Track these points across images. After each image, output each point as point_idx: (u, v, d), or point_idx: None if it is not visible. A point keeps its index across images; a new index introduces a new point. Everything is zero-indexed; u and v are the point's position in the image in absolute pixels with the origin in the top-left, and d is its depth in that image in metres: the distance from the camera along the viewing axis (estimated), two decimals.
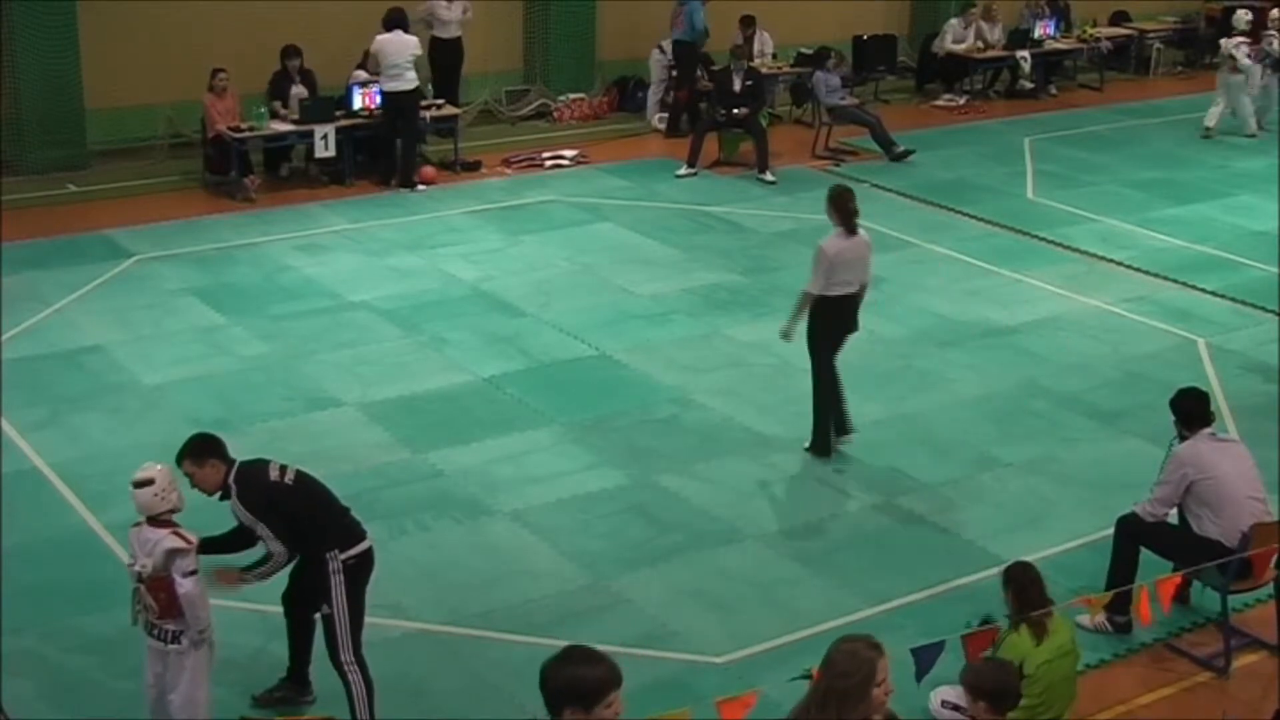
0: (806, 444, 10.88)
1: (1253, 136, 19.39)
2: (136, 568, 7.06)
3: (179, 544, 6.99)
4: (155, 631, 7.16)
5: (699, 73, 19.21)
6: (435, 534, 9.70)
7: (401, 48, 16.65)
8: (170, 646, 7.15)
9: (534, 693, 8.02)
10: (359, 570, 7.45)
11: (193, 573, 7.03)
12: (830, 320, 10.59)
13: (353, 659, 7.44)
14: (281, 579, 7.69)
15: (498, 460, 10.64)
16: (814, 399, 10.85)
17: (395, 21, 16.81)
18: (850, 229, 10.49)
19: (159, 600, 7.05)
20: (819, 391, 10.79)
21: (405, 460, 10.65)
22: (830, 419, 10.83)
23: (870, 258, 10.77)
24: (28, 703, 7.87)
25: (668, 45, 19.68)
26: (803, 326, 10.67)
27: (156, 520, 7.05)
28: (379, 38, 16.72)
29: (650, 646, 8.45)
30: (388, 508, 9.89)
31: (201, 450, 7.30)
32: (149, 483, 7.01)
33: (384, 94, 16.76)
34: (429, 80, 18.07)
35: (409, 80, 16.69)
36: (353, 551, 7.41)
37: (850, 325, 10.76)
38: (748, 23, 19.77)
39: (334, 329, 12.92)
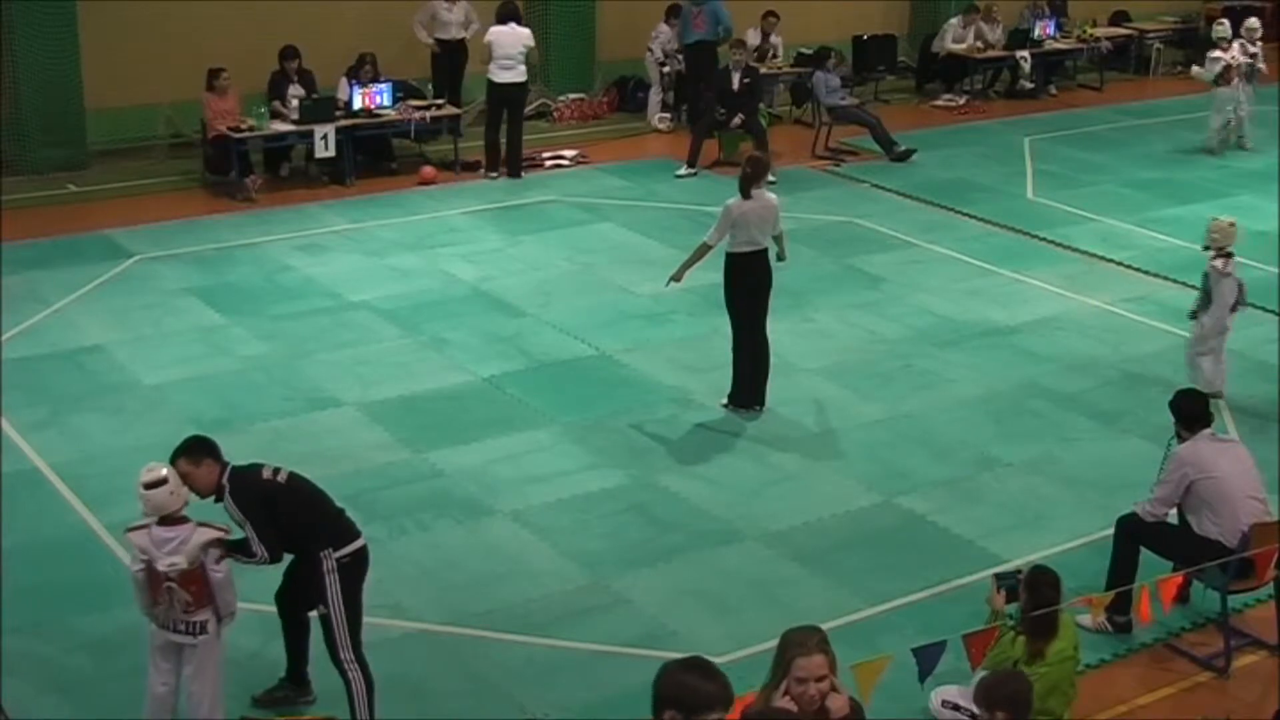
0: (724, 400, 11.47)
1: (1211, 153, 18.91)
2: (163, 568, 7.08)
3: (214, 534, 7.15)
4: (182, 626, 7.22)
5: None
6: (435, 534, 9.70)
7: (515, 40, 17.08)
8: (199, 638, 7.23)
9: (534, 693, 8.09)
10: (354, 569, 7.46)
11: (223, 558, 7.19)
12: (739, 276, 11.19)
13: (352, 657, 7.45)
14: (275, 578, 7.70)
15: (498, 460, 10.64)
16: (733, 354, 11.40)
17: (509, 14, 17.21)
18: (752, 190, 11.08)
19: (192, 593, 7.14)
20: (737, 347, 11.38)
21: (405, 460, 10.65)
22: (747, 372, 11.38)
23: (776, 216, 11.20)
24: (27, 702, 7.88)
25: (657, 47, 19.70)
26: (719, 284, 11.38)
27: (170, 519, 7.11)
28: (493, 29, 17.14)
29: (650, 646, 8.44)
30: (388, 508, 9.89)
31: (197, 451, 7.33)
32: (163, 482, 7.08)
33: (493, 84, 17.17)
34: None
35: (520, 72, 17.16)
36: (347, 550, 7.42)
37: (763, 281, 11.23)
38: (770, 20, 19.83)
39: (334, 329, 12.93)
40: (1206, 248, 11.63)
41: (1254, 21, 19.38)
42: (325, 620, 7.43)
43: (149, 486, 7.07)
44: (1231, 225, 11.58)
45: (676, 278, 11.42)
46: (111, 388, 11.71)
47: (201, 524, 7.17)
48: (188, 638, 7.24)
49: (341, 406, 11.47)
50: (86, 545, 9.44)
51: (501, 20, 17.19)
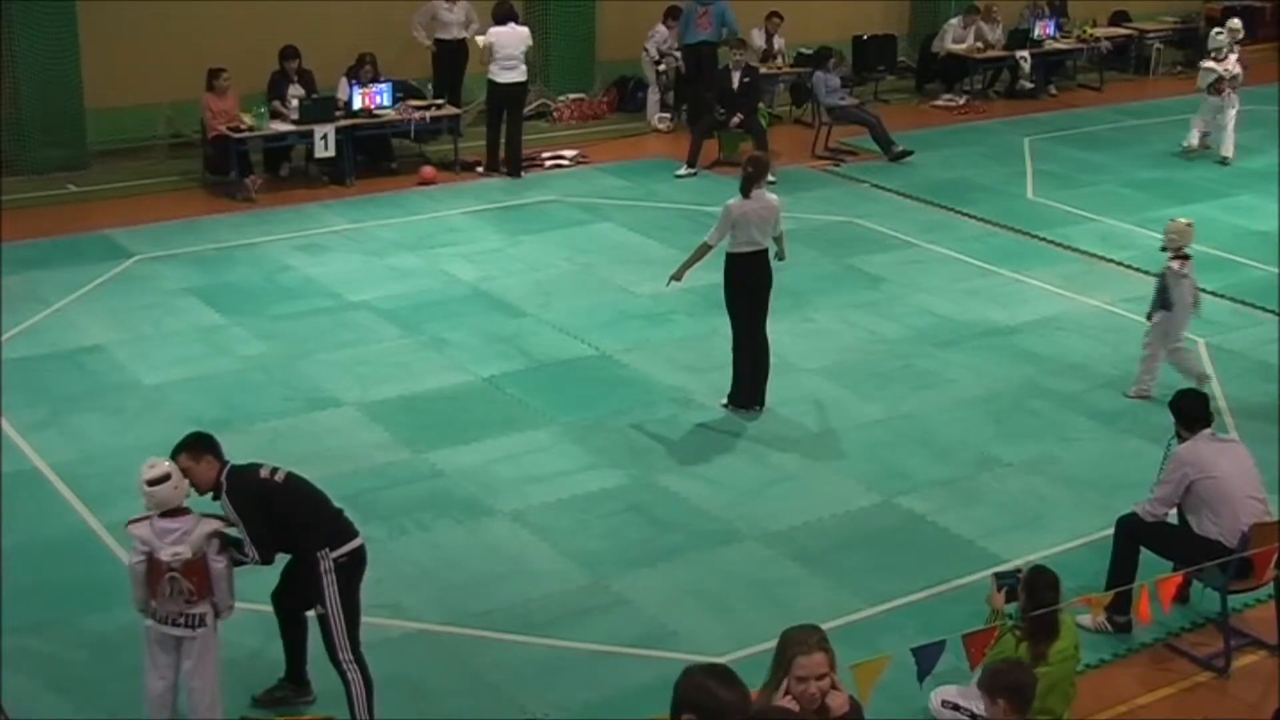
0: (724, 400, 11.46)
1: (1191, 149, 18.84)
2: (165, 557, 7.14)
3: (218, 525, 7.25)
4: (181, 619, 7.27)
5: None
6: (435, 534, 9.70)
7: (517, 40, 17.21)
8: (198, 631, 7.29)
9: (534, 693, 8.09)
10: (351, 569, 7.48)
11: (223, 550, 7.28)
12: (739, 277, 11.17)
13: (351, 657, 7.47)
14: (274, 577, 7.71)
15: (498, 460, 10.64)
16: (733, 354, 11.39)
17: (507, 14, 17.29)
18: (754, 188, 11.07)
19: (194, 583, 7.21)
20: (737, 347, 11.37)
21: (405, 460, 10.65)
22: (747, 373, 11.37)
23: (777, 216, 11.19)
24: (27, 701, 7.88)
25: (652, 46, 19.68)
26: (718, 284, 11.39)
27: (172, 511, 7.19)
28: (494, 29, 17.17)
29: (650, 646, 8.45)
30: (388, 508, 9.90)
31: (199, 446, 7.39)
32: (165, 478, 7.16)
33: (495, 84, 17.23)
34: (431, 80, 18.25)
35: (521, 72, 17.31)
36: (344, 550, 7.44)
37: (763, 281, 11.22)
38: (774, 21, 19.82)
39: (334, 329, 12.93)
40: (1164, 248, 11.64)
41: (1236, 22, 19.22)
42: (323, 620, 7.44)
43: (152, 483, 7.15)
44: (1189, 226, 11.62)
45: (677, 277, 11.43)
46: (111, 388, 11.71)
47: (205, 515, 7.26)
48: (186, 631, 7.29)
49: (341, 406, 11.47)
50: (86, 545, 9.44)
51: (500, 21, 17.20)
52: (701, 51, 19.03)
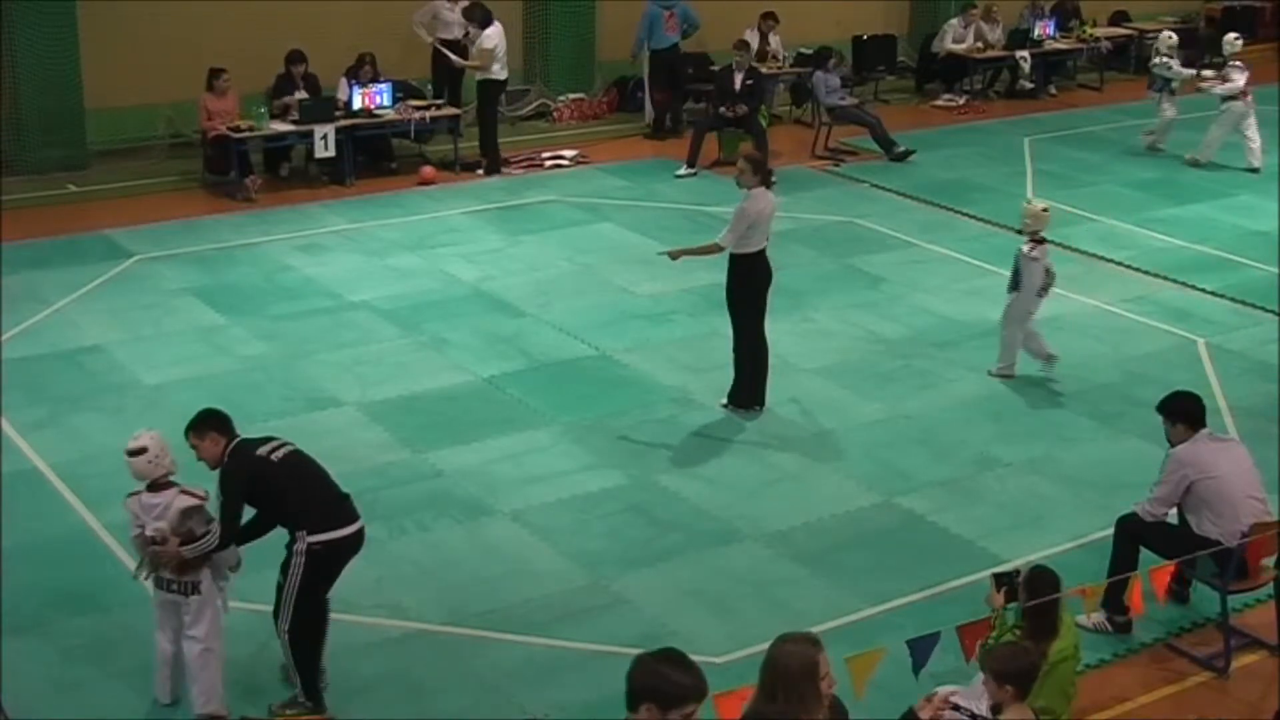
0: (724, 400, 11.43)
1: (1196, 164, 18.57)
2: (149, 532, 7.27)
3: (192, 502, 7.33)
4: (175, 586, 7.39)
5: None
6: (435, 534, 9.70)
7: (503, 36, 17.45)
8: (191, 598, 7.40)
9: (534, 693, 8.09)
10: (328, 557, 7.50)
11: (211, 521, 7.35)
12: (748, 276, 11.16)
13: (286, 629, 7.55)
14: (272, 575, 7.69)
15: (498, 460, 10.64)
16: (734, 355, 11.36)
17: (489, 14, 17.39)
18: (768, 187, 11.09)
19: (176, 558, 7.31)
20: (739, 347, 11.34)
21: (405, 460, 10.65)
22: (748, 373, 11.37)
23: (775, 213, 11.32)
24: (28, 702, 7.87)
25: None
26: (719, 284, 11.42)
27: (156, 486, 7.32)
28: (489, 32, 17.27)
29: (650, 646, 8.32)
30: (388, 508, 9.89)
31: (203, 424, 7.54)
32: (142, 450, 7.31)
33: (497, 82, 17.56)
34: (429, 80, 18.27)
35: (507, 67, 17.66)
36: (322, 537, 7.45)
37: (767, 280, 11.24)
38: (768, 22, 19.79)
39: (334, 329, 12.93)
40: (1020, 231, 11.94)
41: (1166, 36, 19.17)
42: (279, 588, 7.53)
43: (130, 454, 7.31)
44: (1044, 211, 11.92)
45: (674, 255, 11.46)
46: (111, 388, 11.71)
47: (183, 490, 7.34)
48: (180, 597, 7.43)
49: (341, 406, 11.47)
50: (86, 545, 9.44)
51: (487, 22, 17.25)
52: (675, 56, 19.05)
